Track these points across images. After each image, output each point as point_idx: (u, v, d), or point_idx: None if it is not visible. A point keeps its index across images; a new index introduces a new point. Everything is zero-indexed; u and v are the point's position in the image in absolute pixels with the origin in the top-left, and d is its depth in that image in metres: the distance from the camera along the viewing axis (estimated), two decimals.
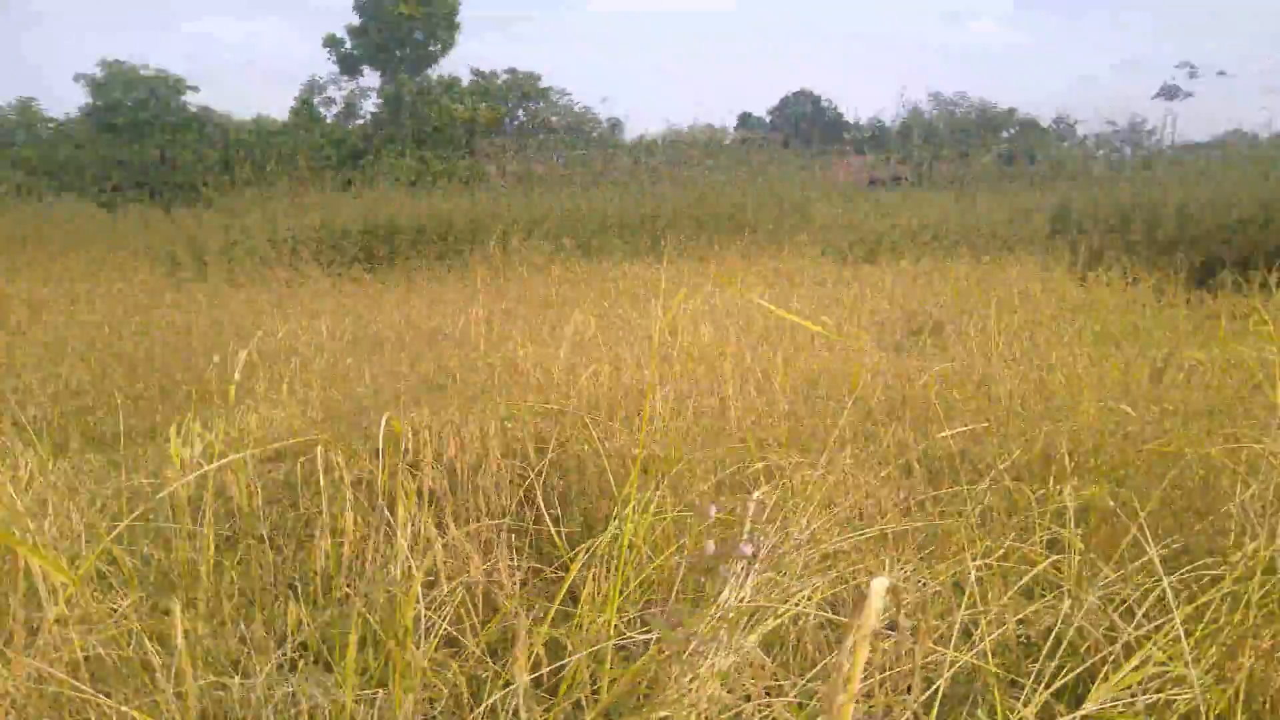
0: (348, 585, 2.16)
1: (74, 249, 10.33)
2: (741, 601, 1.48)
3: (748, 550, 1.36)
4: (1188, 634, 1.55)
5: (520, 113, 27.55)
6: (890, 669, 1.57)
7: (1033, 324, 4.35)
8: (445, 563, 2.17)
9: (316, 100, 24.52)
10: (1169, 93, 33.95)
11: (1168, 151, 26.08)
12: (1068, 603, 1.70)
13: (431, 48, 22.99)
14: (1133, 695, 1.41)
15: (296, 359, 4.21)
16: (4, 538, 1.65)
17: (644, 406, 2.27)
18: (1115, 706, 1.41)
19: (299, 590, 2.18)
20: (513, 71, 26.38)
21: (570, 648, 1.77)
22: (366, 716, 1.63)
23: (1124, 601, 1.75)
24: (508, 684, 1.61)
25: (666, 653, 1.47)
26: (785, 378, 3.04)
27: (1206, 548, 1.97)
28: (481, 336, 4.14)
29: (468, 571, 2.21)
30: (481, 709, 1.57)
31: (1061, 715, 1.36)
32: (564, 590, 1.97)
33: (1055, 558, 1.83)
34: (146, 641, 1.66)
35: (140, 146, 20.81)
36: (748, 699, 1.42)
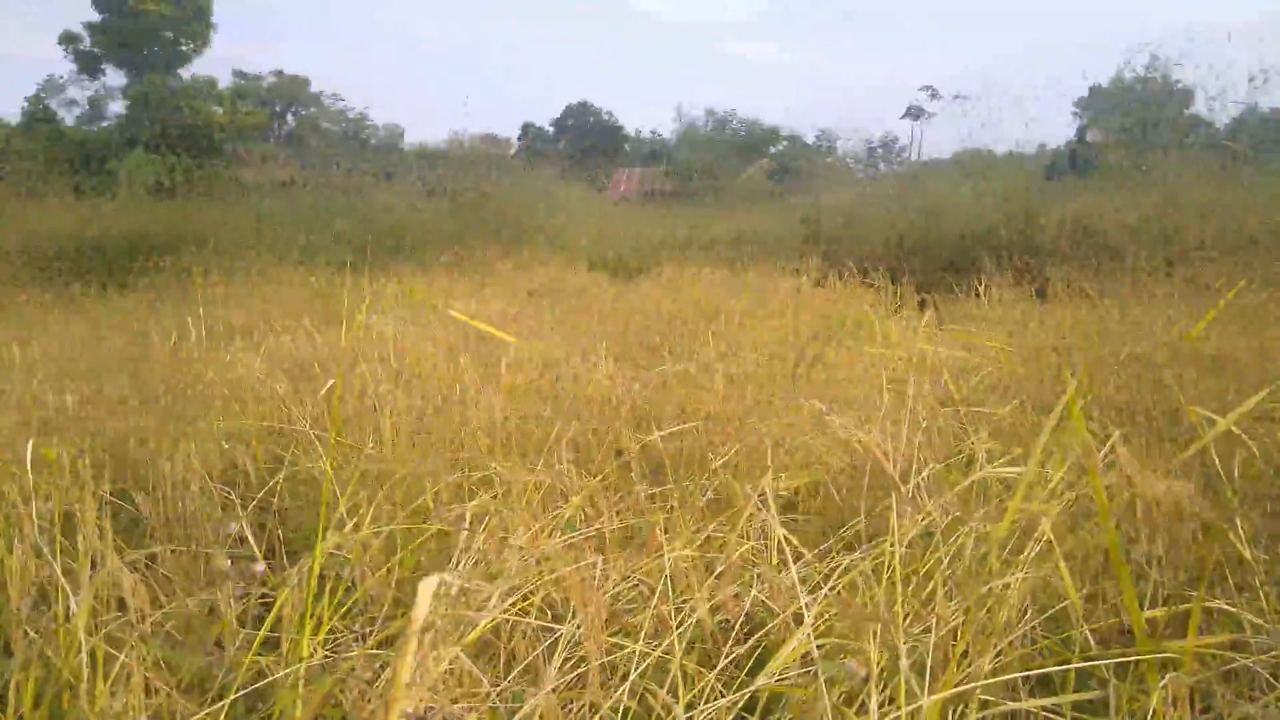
0: (26, 632, 1.95)
1: None
2: (442, 613, 1.47)
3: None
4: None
5: (289, 117, 26.20)
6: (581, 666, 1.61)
7: (762, 327, 4.64)
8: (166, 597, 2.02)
9: (55, 101, 22.19)
10: (914, 113, 37.42)
11: (915, 166, 28.60)
12: (760, 586, 1.81)
13: (183, 47, 21.39)
14: (805, 668, 1.51)
15: None
16: None
17: (334, 413, 2.21)
18: (788, 680, 1.51)
19: None
20: (279, 74, 25.07)
21: (269, 674, 1.68)
22: None
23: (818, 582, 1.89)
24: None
25: (361, 672, 1.43)
26: (510, 386, 3.08)
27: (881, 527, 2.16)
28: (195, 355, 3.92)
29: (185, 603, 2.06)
30: None
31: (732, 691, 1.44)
32: (273, 615, 1.87)
33: (749, 544, 1.94)
34: None
35: None
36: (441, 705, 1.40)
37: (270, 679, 1.64)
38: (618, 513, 2.09)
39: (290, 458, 2.66)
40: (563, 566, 1.81)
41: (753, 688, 1.46)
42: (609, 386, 2.94)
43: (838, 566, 1.81)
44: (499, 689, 1.57)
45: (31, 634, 1.79)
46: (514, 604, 1.80)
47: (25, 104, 21.54)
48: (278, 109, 24.92)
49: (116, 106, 22.36)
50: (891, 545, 1.57)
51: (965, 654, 1.52)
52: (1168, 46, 25.33)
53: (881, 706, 1.30)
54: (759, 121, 35.06)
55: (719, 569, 1.85)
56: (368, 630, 1.99)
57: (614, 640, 1.62)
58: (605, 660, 1.63)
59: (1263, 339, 3.58)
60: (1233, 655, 1.46)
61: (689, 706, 1.50)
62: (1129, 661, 1.31)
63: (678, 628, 1.60)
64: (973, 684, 1.30)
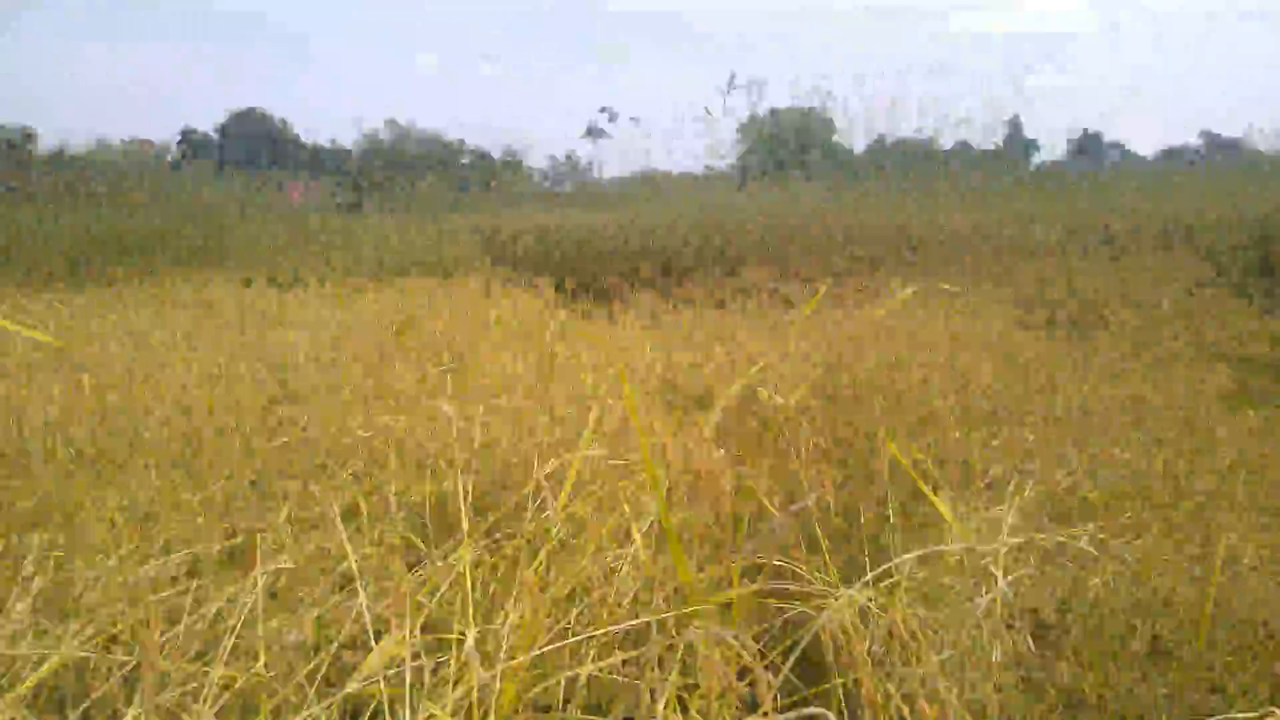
0: None
1: None
2: None
3: None
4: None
5: None
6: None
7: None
8: None
9: None
10: (595, 133, 39.00)
11: (599, 185, 29.84)
12: (368, 594, 1.78)
13: None
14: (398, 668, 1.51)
15: None
16: None
17: None
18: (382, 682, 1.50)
19: None
20: None
21: None
22: None
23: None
24: None
25: None
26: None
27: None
28: None
29: None
30: None
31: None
32: None
33: (367, 551, 1.92)
34: None
35: None
36: None
37: None
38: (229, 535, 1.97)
39: None
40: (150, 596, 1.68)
41: (341, 693, 1.43)
42: None
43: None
44: None
45: None
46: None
47: None
48: None
49: None
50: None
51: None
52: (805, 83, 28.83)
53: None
54: (440, 133, 34.95)
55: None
56: None
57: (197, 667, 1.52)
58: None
59: None
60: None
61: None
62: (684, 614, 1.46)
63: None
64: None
